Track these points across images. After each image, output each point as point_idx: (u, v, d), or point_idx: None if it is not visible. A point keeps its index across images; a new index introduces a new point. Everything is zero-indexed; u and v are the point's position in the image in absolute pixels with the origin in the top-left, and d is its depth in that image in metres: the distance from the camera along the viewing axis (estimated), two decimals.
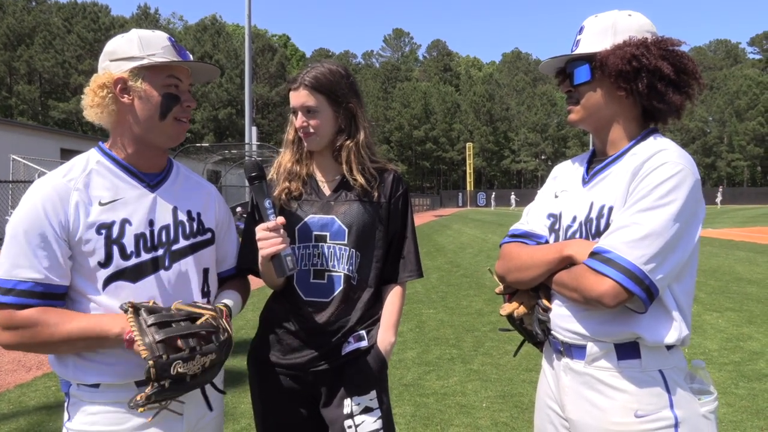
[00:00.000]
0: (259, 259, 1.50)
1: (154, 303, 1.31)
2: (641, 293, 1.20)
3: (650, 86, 1.30)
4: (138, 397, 1.22)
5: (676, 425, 1.25)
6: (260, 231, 1.44)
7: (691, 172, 1.24)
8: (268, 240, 1.43)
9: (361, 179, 1.61)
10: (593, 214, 1.34)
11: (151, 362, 1.18)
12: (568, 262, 1.33)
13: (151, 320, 1.24)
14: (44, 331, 1.27)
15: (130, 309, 1.25)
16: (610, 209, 1.30)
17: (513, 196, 54.26)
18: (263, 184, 1.49)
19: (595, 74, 1.35)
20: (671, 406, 1.26)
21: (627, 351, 1.28)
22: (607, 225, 1.29)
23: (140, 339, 1.21)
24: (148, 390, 1.21)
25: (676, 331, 1.26)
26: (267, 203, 1.47)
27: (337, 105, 1.59)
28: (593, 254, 1.25)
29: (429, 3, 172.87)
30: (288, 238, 1.47)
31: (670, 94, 1.31)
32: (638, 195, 1.24)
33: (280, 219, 1.45)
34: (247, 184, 1.59)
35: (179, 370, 1.21)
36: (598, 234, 1.31)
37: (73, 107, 44.98)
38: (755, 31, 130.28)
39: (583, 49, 1.38)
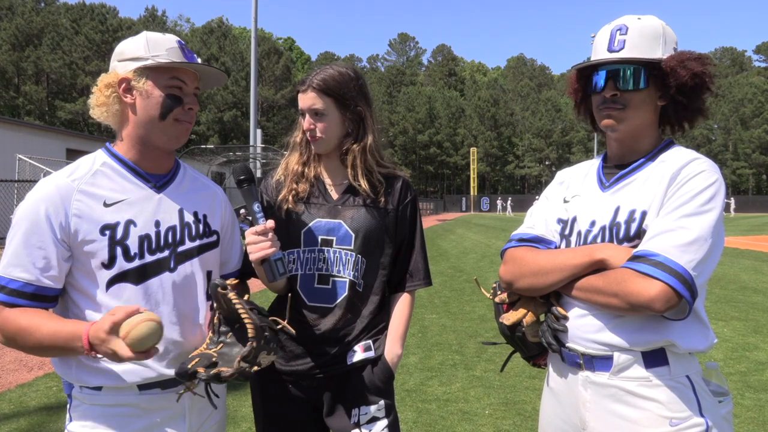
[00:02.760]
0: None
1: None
2: (690, 298, 1.18)
3: (695, 100, 1.34)
4: (201, 369, 1.22)
5: (707, 431, 1.23)
6: (249, 235, 1.43)
7: (723, 182, 1.26)
8: (257, 244, 1.41)
9: (365, 185, 1.59)
10: (621, 218, 1.31)
11: (254, 344, 1.21)
12: (598, 267, 1.28)
13: (249, 306, 1.27)
14: (22, 334, 1.26)
15: (233, 291, 1.27)
16: (643, 213, 1.27)
17: (500, 202, 53.38)
18: (252, 187, 1.48)
19: (650, 81, 1.32)
20: (701, 411, 1.24)
21: (655, 359, 1.26)
22: (639, 229, 1.27)
23: (248, 316, 1.24)
24: (248, 350, 1.22)
25: (706, 337, 1.26)
26: (256, 207, 1.45)
27: (344, 108, 1.58)
28: (638, 258, 1.21)
29: (434, 8, 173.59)
30: (278, 242, 1.44)
31: (702, 107, 1.36)
32: (680, 200, 1.23)
33: (270, 223, 1.43)
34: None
35: (261, 361, 1.25)
36: (628, 238, 1.28)
37: (79, 108, 45.19)
38: (761, 38, 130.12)
39: (633, 52, 1.32)
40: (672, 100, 1.32)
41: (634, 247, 1.26)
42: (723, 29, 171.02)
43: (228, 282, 1.27)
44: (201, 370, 1.21)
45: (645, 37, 1.32)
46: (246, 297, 1.37)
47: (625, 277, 1.21)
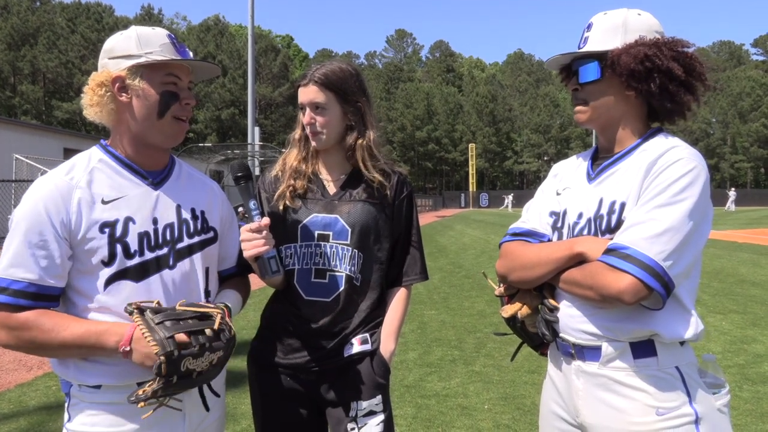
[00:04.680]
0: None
1: (158, 303, 1.30)
2: (661, 289, 1.18)
3: (662, 87, 1.30)
4: (140, 392, 1.20)
5: (696, 421, 1.24)
6: (244, 232, 1.44)
7: (704, 169, 1.25)
8: (251, 242, 1.42)
9: (379, 177, 1.61)
10: (603, 210, 1.32)
11: (162, 357, 1.18)
12: (578, 260, 1.30)
13: (158, 318, 1.23)
14: (41, 335, 1.26)
15: (135, 310, 1.24)
16: (622, 205, 1.28)
17: (506, 198, 52.77)
18: (249, 184, 1.49)
19: (605, 73, 1.34)
20: (690, 401, 1.25)
21: (643, 349, 1.27)
22: (619, 221, 1.28)
23: (150, 335, 1.20)
24: (155, 384, 1.19)
25: (692, 326, 1.26)
26: (252, 204, 1.46)
27: (345, 103, 1.58)
28: (610, 251, 1.23)
29: (432, 4, 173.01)
30: (273, 240, 1.45)
31: (681, 95, 1.32)
32: (654, 191, 1.23)
33: (265, 220, 1.44)
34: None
35: (189, 366, 1.21)
36: (609, 230, 1.29)
37: (76, 107, 44.97)
38: (759, 32, 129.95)
39: (591, 46, 1.36)
40: (640, 89, 1.32)
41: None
42: (720, 23, 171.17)
43: (132, 304, 1.25)
44: (140, 392, 1.21)
45: (603, 31, 1.36)
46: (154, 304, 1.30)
47: (598, 270, 1.23)
